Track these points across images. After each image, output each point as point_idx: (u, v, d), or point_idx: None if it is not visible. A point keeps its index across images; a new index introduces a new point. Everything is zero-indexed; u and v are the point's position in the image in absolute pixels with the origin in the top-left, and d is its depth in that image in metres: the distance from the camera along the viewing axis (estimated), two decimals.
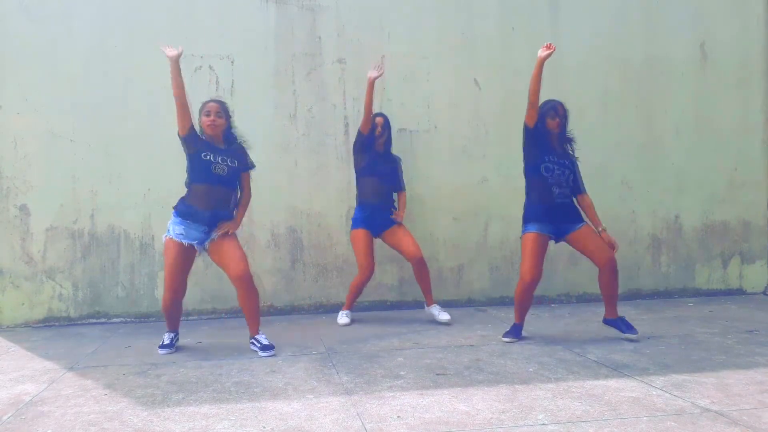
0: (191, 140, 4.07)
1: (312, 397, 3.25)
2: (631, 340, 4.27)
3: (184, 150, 4.11)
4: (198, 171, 4.05)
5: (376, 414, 2.98)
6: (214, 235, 4.04)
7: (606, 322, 4.40)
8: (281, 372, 3.72)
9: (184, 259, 4.05)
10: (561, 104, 4.35)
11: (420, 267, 4.95)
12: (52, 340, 4.75)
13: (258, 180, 5.43)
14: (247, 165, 4.24)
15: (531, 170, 4.37)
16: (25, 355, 4.32)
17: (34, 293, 5.32)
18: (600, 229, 4.31)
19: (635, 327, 4.36)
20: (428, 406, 3.07)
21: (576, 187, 4.38)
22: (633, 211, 6.12)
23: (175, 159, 5.28)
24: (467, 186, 5.86)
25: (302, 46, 5.65)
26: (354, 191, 5.66)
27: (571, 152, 4.43)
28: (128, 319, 5.41)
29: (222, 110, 4.16)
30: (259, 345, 4.09)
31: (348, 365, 3.85)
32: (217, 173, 4.04)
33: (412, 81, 5.77)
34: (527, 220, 4.35)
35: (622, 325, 4.32)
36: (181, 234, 4.01)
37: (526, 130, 4.32)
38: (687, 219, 6.26)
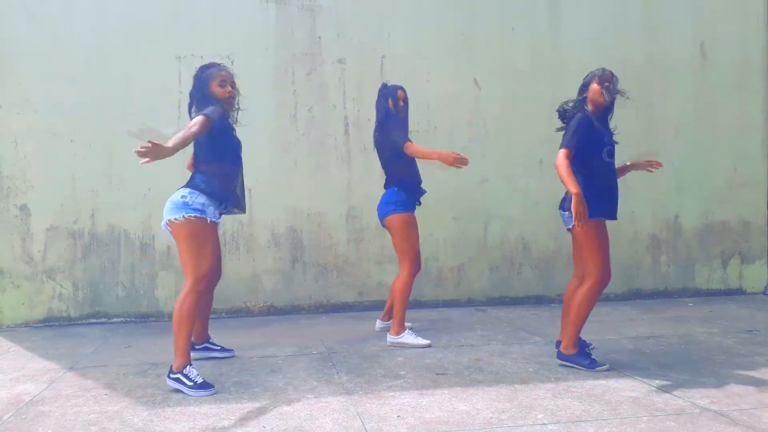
0: (222, 118, 3.51)
1: (312, 396, 3.26)
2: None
3: (211, 131, 3.44)
4: (230, 150, 3.62)
5: (376, 414, 2.98)
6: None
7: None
8: (281, 372, 3.73)
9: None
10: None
11: None
12: (53, 340, 4.75)
13: (258, 180, 5.46)
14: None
15: None
16: (26, 354, 4.32)
17: (34, 293, 5.32)
18: None
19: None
20: (428, 406, 3.07)
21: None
22: (633, 211, 6.11)
23: (175, 159, 5.28)
24: (467, 186, 5.86)
25: (302, 46, 5.65)
26: (354, 190, 5.67)
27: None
28: (128, 319, 5.41)
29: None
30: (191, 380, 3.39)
31: (348, 365, 3.85)
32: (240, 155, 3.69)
33: (412, 81, 5.74)
34: None
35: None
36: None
37: None
38: (687, 219, 6.26)
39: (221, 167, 3.55)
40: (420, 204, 4.51)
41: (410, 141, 4.29)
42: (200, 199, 3.44)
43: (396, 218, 4.34)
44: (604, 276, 3.61)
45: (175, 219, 3.40)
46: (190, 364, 3.40)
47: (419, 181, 4.48)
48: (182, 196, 3.44)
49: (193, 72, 3.79)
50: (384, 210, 4.42)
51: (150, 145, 2.94)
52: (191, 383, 3.32)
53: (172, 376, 3.39)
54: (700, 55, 6.26)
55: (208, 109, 3.44)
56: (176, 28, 5.45)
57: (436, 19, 5.84)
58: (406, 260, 4.34)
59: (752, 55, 6.34)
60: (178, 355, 3.39)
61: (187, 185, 3.52)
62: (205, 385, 3.33)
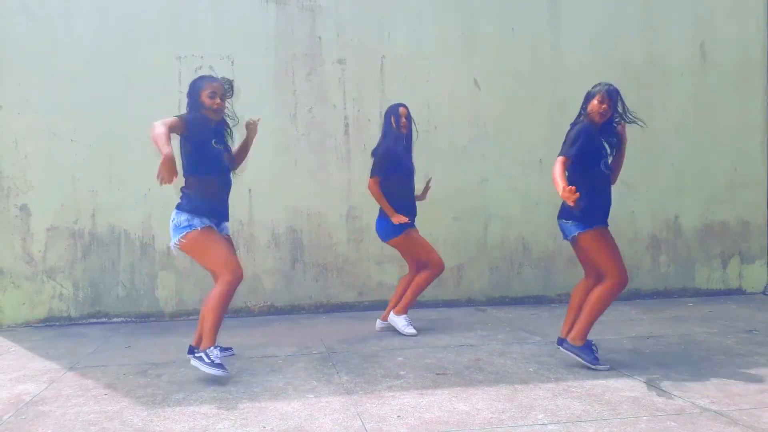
0: (197, 128, 3.59)
1: (312, 396, 3.26)
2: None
3: (190, 141, 3.60)
4: (209, 161, 3.64)
5: (376, 414, 2.98)
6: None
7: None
8: (281, 372, 3.73)
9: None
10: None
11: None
12: (53, 340, 4.75)
13: (258, 180, 5.47)
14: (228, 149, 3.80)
15: None
16: (26, 354, 4.33)
17: (34, 293, 5.32)
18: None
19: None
20: (428, 406, 3.07)
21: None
22: (633, 211, 6.12)
23: (175, 159, 5.29)
24: (467, 186, 5.86)
25: (302, 46, 5.65)
26: (354, 190, 5.67)
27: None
28: (129, 319, 5.41)
29: (225, 92, 3.74)
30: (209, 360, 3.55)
31: (348, 365, 3.86)
32: (226, 163, 3.74)
33: (412, 81, 5.77)
34: None
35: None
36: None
37: None
38: (686, 219, 6.26)
39: (202, 180, 3.63)
40: (414, 227, 4.67)
41: (376, 179, 4.55)
42: (183, 217, 3.59)
43: (394, 242, 4.66)
44: (622, 278, 3.64)
45: (176, 244, 3.61)
46: (215, 347, 3.55)
47: (409, 205, 4.64)
48: (172, 220, 3.65)
49: (193, 72, 3.85)
50: (381, 234, 4.70)
51: (163, 166, 3.22)
52: (209, 361, 3.49)
53: (196, 354, 3.55)
54: (700, 55, 6.26)
55: (184, 114, 3.63)
56: (176, 28, 5.45)
57: (436, 19, 5.84)
58: (431, 265, 4.64)
59: (752, 55, 6.34)
60: (205, 338, 3.56)
61: (176, 206, 3.67)
62: (221, 366, 3.50)
